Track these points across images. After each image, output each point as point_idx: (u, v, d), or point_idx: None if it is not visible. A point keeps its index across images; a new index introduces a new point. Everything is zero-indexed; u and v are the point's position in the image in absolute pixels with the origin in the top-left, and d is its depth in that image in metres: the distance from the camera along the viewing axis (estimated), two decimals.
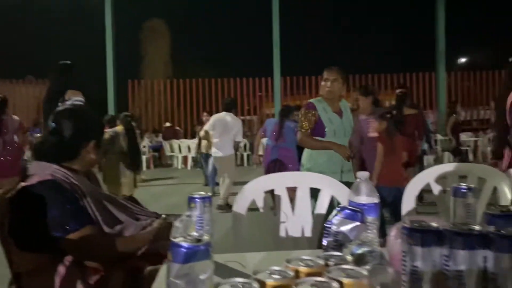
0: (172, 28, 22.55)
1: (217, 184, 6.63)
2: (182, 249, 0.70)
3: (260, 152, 6.82)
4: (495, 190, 1.86)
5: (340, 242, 1.04)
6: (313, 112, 3.09)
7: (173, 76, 16.40)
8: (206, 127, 6.43)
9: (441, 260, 0.76)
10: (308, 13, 22.76)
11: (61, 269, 1.44)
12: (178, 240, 0.72)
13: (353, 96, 4.75)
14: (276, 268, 0.66)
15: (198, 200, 1.17)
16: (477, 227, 0.75)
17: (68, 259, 1.45)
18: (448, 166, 2.00)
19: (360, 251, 1.06)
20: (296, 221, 1.83)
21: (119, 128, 5.03)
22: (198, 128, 7.99)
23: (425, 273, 0.76)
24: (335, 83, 3.11)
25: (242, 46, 22.82)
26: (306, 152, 3.22)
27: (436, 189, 1.94)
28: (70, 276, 1.44)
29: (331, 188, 1.84)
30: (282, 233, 1.82)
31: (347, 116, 3.22)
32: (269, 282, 0.62)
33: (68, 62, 3.92)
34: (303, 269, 0.66)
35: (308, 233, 1.81)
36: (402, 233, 0.79)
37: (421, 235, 0.76)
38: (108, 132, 4.86)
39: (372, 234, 1.12)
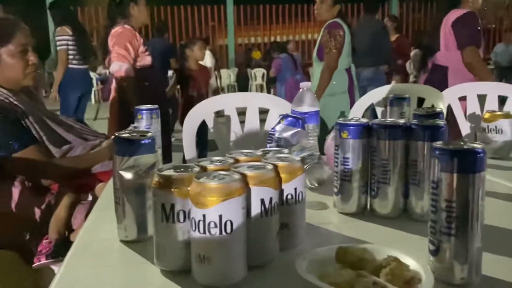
0: None
1: None
2: (127, 143, 0.73)
3: None
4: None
5: (282, 147, 1.11)
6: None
7: None
8: None
9: (369, 151, 0.83)
10: None
11: (14, 192, 1.43)
12: (123, 134, 0.75)
13: None
14: (217, 157, 0.71)
15: (144, 111, 1.18)
16: (401, 121, 0.82)
17: (19, 181, 1.44)
18: (388, 88, 2.09)
19: (301, 155, 1.13)
20: (246, 139, 1.89)
21: None
22: None
23: (354, 163, 0.84)
24: (322, 5, 2.90)
25: None
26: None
27: (379, 110, 2.04)
28: (23, 199, 1.44)
29: (279, 107, 1.89)
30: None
31: None
32: (210, 167, 0.66)
33: None
34: (241, 157, 0.71)
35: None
36: (336, 129, 0.85)
37: (352, 128, 0.83)
38: None
39: (312, 140, 1.20)
